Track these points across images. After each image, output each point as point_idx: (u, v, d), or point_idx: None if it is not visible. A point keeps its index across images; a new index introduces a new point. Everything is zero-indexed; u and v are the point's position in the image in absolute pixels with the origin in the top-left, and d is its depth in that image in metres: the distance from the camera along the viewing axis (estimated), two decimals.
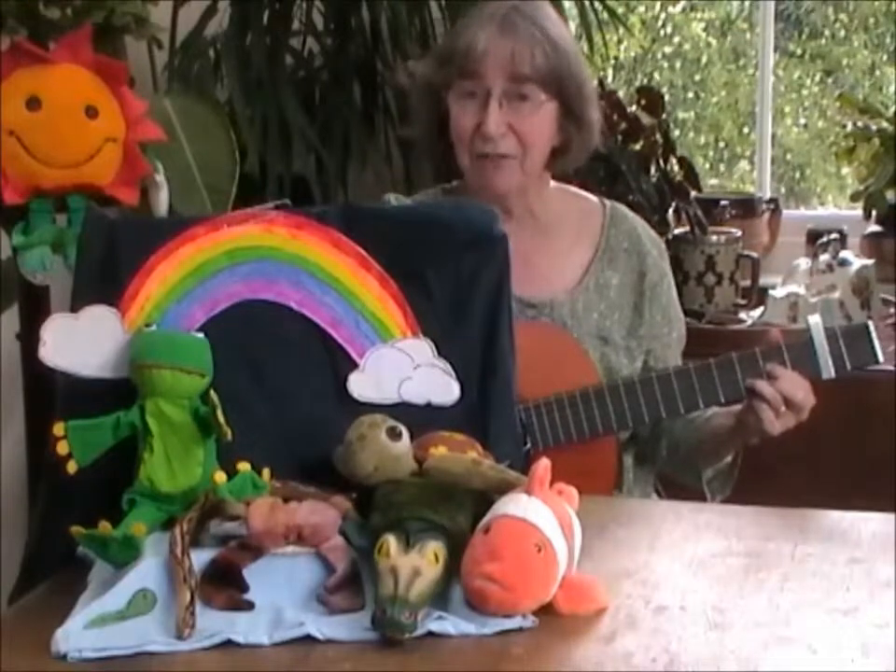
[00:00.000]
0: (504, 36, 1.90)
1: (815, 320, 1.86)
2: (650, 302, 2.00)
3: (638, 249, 2.02)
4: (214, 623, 1.26)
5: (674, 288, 2.07)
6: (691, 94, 4.05)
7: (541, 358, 1.85)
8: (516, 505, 1.29)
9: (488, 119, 1.89)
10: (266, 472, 1.40)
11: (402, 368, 1.49)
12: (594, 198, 2.08)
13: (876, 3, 3.75)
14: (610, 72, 3.87)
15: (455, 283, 1.54)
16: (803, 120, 4.04)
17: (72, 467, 1.38)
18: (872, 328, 1.85)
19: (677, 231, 2.96)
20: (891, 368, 2.42)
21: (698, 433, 1.96)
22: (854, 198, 3.16)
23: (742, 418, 1.87)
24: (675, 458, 2.00)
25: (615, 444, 1.94)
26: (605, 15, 3.01)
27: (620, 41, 3.88)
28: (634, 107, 2.97)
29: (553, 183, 2.05)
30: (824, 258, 2.82)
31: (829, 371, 1.84)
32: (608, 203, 2.07)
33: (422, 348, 1.49)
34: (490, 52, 1.89)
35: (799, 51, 3.95)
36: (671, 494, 2.08)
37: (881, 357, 1.84)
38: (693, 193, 2.98)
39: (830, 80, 3.98)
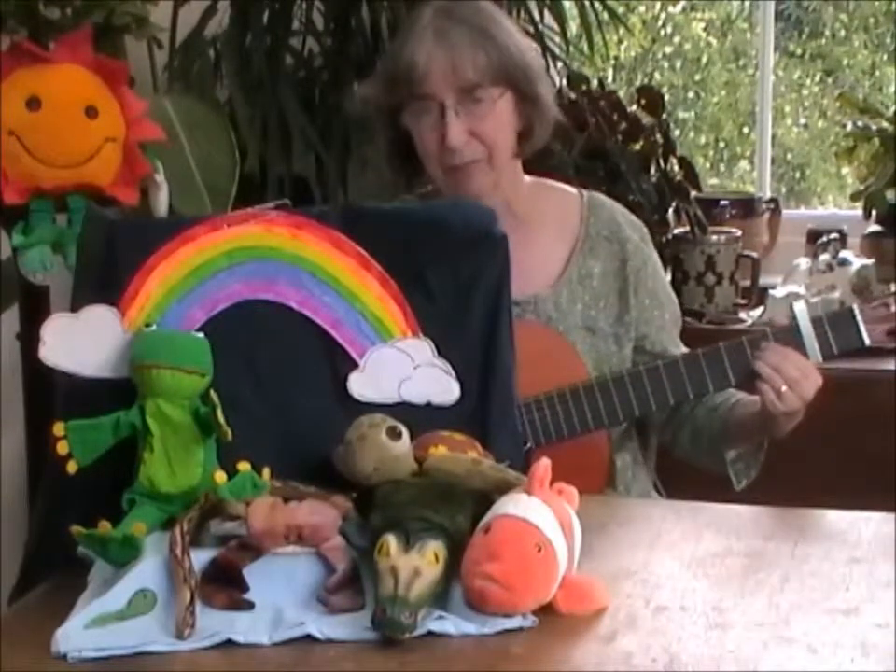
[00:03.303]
0: (441, 49, 1.88)
1: (800, 306, 1.87)
2: (635, 288, 2.00)
3: (619, 236, 2.01)
4: (214, 623, 1.26)
5: (661, 271, 2.06)
6: (691, 94, 4.06)
7: (530, 357, 1.84)
8: (516, 505, 1.29)
9: (449, 133, 1.88)
10: (266, 472, 1.40)
11: (402, 368, 1.49)
12: (571, 189, 2.07)
13: (876, 3, 3.76)
14: (610, 72, 3.87)
15: (455, 283, 1.54)
16: (803, 120, 4.05)
17: (72, 467, 1.38)
18: (857, 311, 1.85)
19: (677, 231, 2.96)
20: (891, 367, 2.42)
21: (722, 422, 1.95)
22: (854, 198, 3.16)
23: (761, 406, 1.87)
24: (698, 446, 2.00)
25: (606, 441, 1.94)
26: (605, 15, 3.01)
27: (620, 41, 3.88)
28: (634, 107, 2.97)
29: (528, 177, 2.04)
30: (824, 257, 2.82)
31: (816, 355, 1.84)
32: (585, 192, 2.06)
33: (422, 348, 1.50)
34: (432, 69, 1.88)
35: (799, 51, 3.95)
36: (671, 494, 2.08)
37: (867, 340, 1.85)
38: (693, 193, 2.98)
39: (830, 80, 3.99)
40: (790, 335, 1.85)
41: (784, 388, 1.82)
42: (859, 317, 1.85)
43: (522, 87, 1.93)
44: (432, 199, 2.02)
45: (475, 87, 1.89)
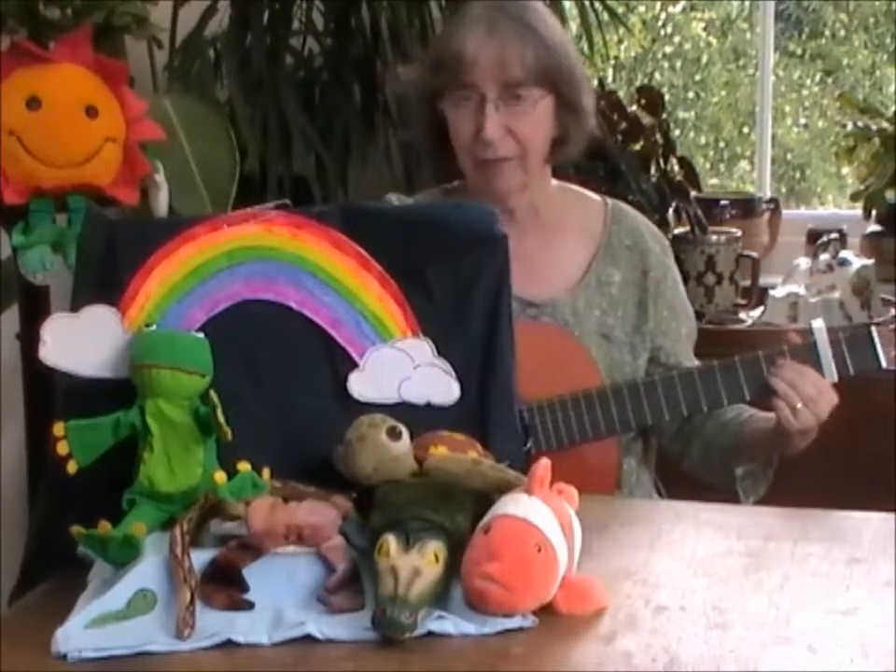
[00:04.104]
0: (492, 41, 1.88)
1: (818, 324, 1.86)
2: (654, 299, 2.00)
3: (641, 246, 2.01)
4: (214, 623, 1.26)
5: (680, 284, 2.06)
6: (691, 94, 4.06)
7: (544, 360, 1.84)
8: (516, 505, 1.29)
9: (486, 126, 1.88)
10: (266, 472, 1.40)
11: (402, 368, 1.49)
12: (595, 196, 2.07)
13: (876, 3, 3.76)
14: (610, 72, 3.87)
15: (455, 283, 1.54)
16: (803, 120, 4.05)
17: (72, 467, 1.38)
18: (875, 333, 1.85)
19: (677, 231, 2.96)
20: (891, 368, 2.42)
21: (734, 436, 1.94)
22: (854, 198, 3.16)
23: (775, 422, 1.87)
24: (707, 460, 1.99)
25: (616, 446, 1.94)
26: (605, 15, 3.01)
27: (620, 41, 3.88)
28: (634, 107, 2.97)
29: (554, 182, 2.05)
30: (824, 258, 2.82)
31: (832, 375, 1.84)
32: (610, 200, 2.07)
33: (422, 348, 1.49)
34: (480, 60, 1.88)
35: (799, 51, 3.95)
36: (671, 494, 2.08)
37: (884, 363, 1.85)
38: (693, 193, 2.98)
39: (830, 80, 3.99)
40: (807, 353, 1.85)
41: (799, 405, 1.81)
42: (876, 339, 1.84)
43: (564, 92, 1.93)
44: (458, 195, 2.02)
45: (519, 84, 1.89)
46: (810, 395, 1.81)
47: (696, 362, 2.01)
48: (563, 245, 2.01)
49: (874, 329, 1.86)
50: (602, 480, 1.92)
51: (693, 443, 2.00)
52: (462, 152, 1.94)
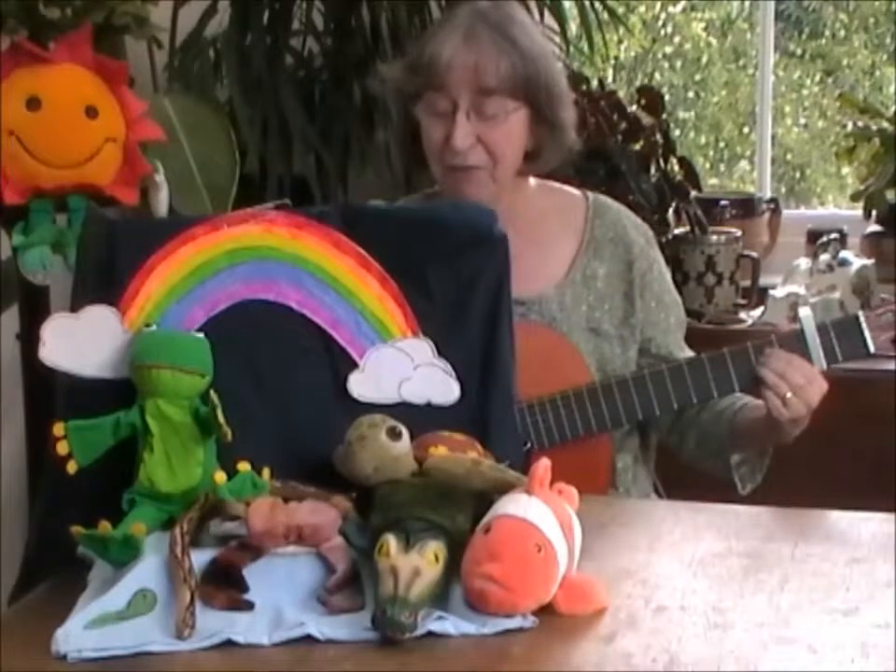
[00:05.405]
0: (468, 48, 1.87)
1: (805, 312, 1.87)
2: (641, 291, 2.00)
3: (624, 239, 2.01)
4: (214, 623, 1.26)
5: (667, 274, 2.06)
6: (691, 94, 4.06)
7: (533, 358, 1.84)
8: (516, 505, 1.29)
9: (455, 134, 1.87)
10: (266, 472, 1.40)
11: (402, 368, 1.49)
12: (576, 191, 2.06)
13: (876, 3, 3.76)
14: (610, 72, 3.87)
15: (455, 283, 1.54)
16: (803, 120, 4.05)
17: (72, 467, 1.38)
18: (863, 319, 1.85)
19: (677, 231, 2.96)
20: (891, 368, 2.42)
21: (729, 426, 1.94)
22: (854, 198, 3.16)
23: (766, 412, 1.87)
24: (704, 450, 1.99)
25: (609, 443, 1.94)
26: (605, 15, 3.01)
27: (620, 41, 3.89)
28: (634, 107, 2.97)
29: (532, 181, 2.04)
30: (824, 258, 2.82)
31: (821, 362, 1.84)
32: (590, 195, 2.06)
33: (422, 348, 1.50)
34: (455, 65, 1.87)
35: (799, 51, 3.96)
36: (671, 494, 2.08)
37: (872, 349, 1.85)
38: (693, 193, 2.98)
39: (830, 80, 3.99)
40: (795, 342, 1.85)
41: (789, 395, 1.81)
42: (864, 325, 1.84)
43: (540, 106, 1.91)
44: (439, 200, 2.02)
45: (491, 92, 1.87)
46: (799, 384, 1.82)
47: (688, 351, 2.01)
48: (546, 243, 2.00)
49: (861, 315, 1.86)
50: (595, 477, 1.92)
51: (688, 434, 2.01)
52: (432, 158, 1.93)
